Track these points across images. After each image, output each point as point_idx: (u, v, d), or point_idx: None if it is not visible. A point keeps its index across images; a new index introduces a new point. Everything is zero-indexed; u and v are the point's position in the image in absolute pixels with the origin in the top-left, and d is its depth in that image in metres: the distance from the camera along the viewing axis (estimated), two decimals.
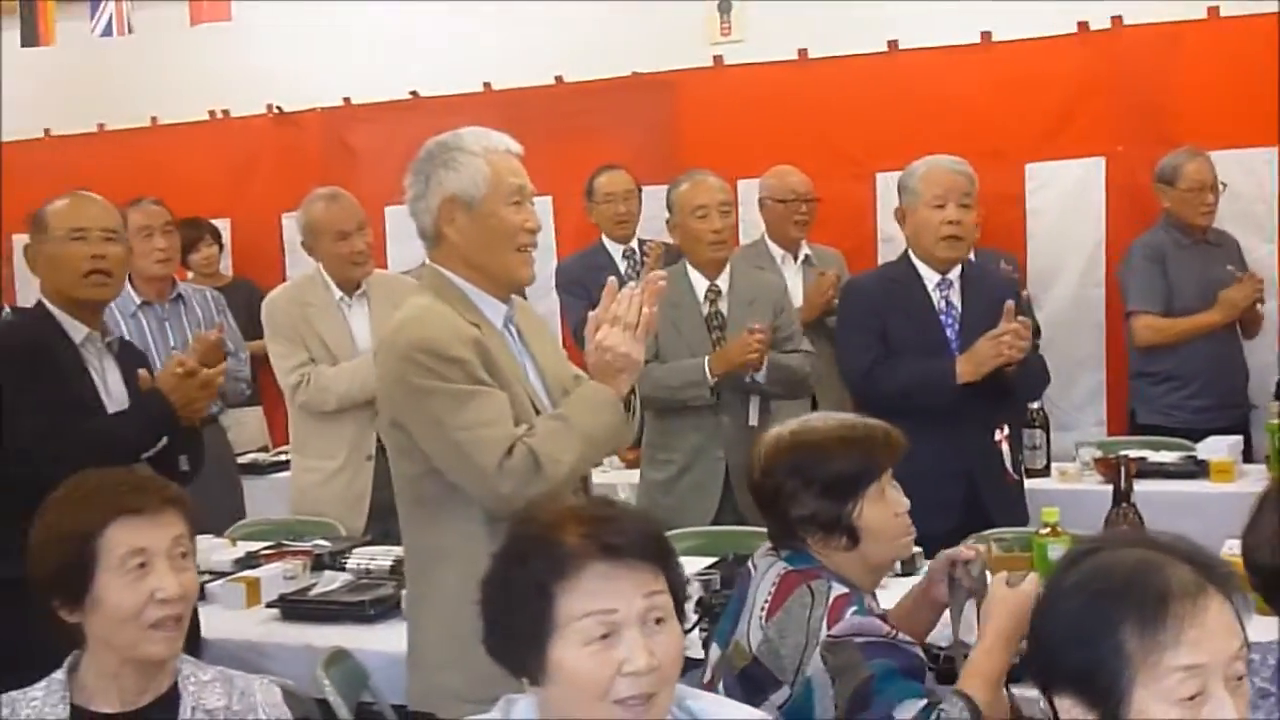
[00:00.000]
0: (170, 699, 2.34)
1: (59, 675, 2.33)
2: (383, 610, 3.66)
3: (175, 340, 5.25)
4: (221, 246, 7.14)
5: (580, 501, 2.54)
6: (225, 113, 7.46)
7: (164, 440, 3.49)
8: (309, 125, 7.31)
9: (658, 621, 1.92)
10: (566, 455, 2.77)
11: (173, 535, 2.32)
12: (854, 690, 2.41)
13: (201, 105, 7.43)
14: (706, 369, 4.56)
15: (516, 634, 1.95)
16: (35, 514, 2.40)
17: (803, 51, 6.41)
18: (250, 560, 4.11)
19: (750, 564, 2.75)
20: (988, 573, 2.71)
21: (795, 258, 5.81)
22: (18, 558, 2.45)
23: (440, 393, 2.76)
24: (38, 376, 3.42)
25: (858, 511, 2.60)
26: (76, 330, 3.55)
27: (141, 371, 3.60)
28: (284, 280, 7.03)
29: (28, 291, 5.94)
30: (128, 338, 4.96)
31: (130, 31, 6.18)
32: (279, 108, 7.34)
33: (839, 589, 2.54)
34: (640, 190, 6.10)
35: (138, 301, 5.27)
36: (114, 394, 3.59)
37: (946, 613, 2.77)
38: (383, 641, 3.49)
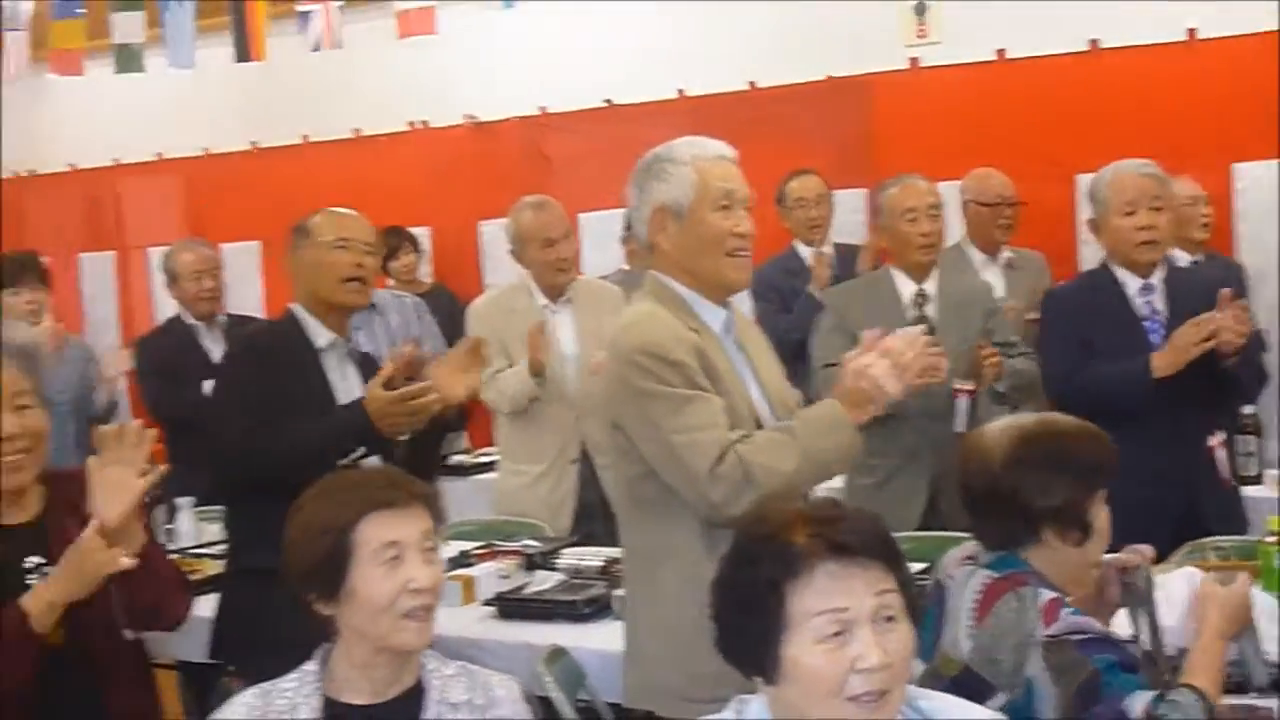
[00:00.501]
0: (416, 692, 2.42)
1: (311, 667, 2.42)
2: (595, 610, 3.72)
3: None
4: (420, 254, 7.32)
5: (809, 502, 2.58)
6: (425, 123, 7.64)
7: (361, 450, 3.53)
8: (506, 134, 7.45)
9: (889, 619, 1.95)
10: (783, 466, 2.78)
11: (422, 529, 2.41)
12: (1080, 686, 2.41)
13: (402, 116, 7.63)
14: None
15: (749, 633, 1.99)
16: (278, 506, 2.52)
17: (1001, 52, 6.35)
18: (463, 559, 4.21)
19: (942, 576, 2.75)
20: (1153, 578, 2.73)
21: (995, 260, 5.76)
22: (267, 549, 2.59)
23: (659, 396, 2.81)
24: (273, 375, 3.57)
25: (1095, 505, 2.60)
26: (320, 336, 3.70)
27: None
28: (481, 286, 7.21)
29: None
30: None
31: (339, 46, 6.36)
32: (477, 118, 7.50)
33: (1046, 594, 2.53)
34: (832, 195, 6.11)
35: None
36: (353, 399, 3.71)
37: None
38: (596, 640, 3.54)
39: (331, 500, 2.40)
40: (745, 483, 2.74)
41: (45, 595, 2.74)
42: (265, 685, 2.43)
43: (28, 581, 2.82)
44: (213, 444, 3.52)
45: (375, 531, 2.36)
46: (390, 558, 2.36)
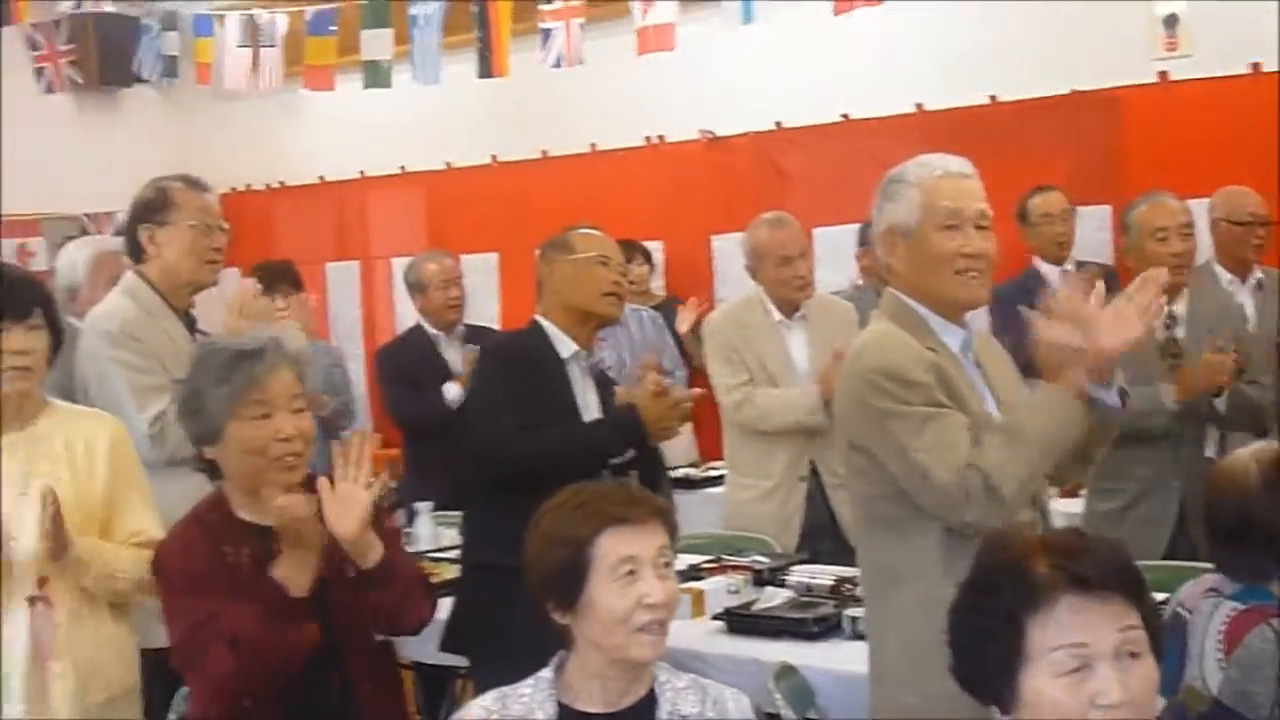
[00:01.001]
0: (648, 703, 2.45)
1: (546, 674, 2.47)
2: (825, 628, 3.70)
3: (612, 360, 5.46)
4: (652, 267, 7.38)
5: (1050, 530, 2.53)
6: (661, 138, 7.71)
7: (631, 452, 3.68)
8: (741, 149, 7.47)
9: (1132, 655, 1.91)
10: (1018, 469, 2.75)
11: (658, 545, 2.44)
12: None
13: (638, 131, 7.71)
14: (1166, 395, 4.42)
15: (986, 662, 1.96)
16: (516, 505, 2.58)
17: (1255, 65, 6.12)
18: (692, 573, 4.23)
19: (1179, 609, 2.67)
20: None
21: (1244, 281, 5.55)
22: (502, 546, 2.65)
23: (899, 415, 2.80)
24: (526, 381, 3.73)
25: None
26: (565, 347, 3.86)
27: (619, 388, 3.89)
28: (712, 300, 7.24)
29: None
30: None
31: (580, 63, 6.46)
32: (712, 132, 7.53)
33: None
34: (1073, 211, 5.98)
35: None
36: (591, 411, 3.87)
37: None
38: (825, 659, 3.53)
39: (571, 513, 2.45)
40: (989, 491, 2.72)
41: (288, 565, 2.83)
42: (503, 690, 2.49)
43: None
44: (479, 442, 3.69)
45: (613, 546, 2.40)
46: (626, 572, 2.39)
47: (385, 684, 3.08)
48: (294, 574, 2.83)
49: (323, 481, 2.88)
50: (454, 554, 4.47)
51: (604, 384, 4.00)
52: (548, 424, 3.70)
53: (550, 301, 3.91)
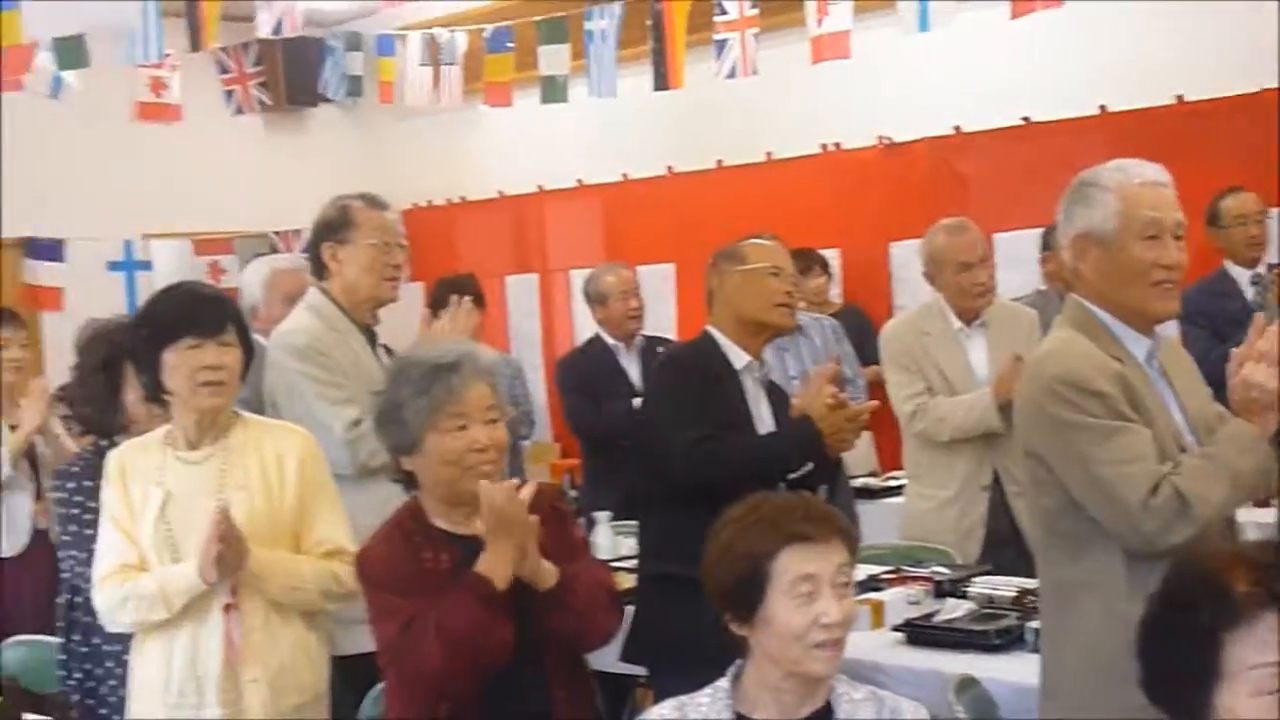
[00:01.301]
0: (825, 714, 2.45)
1: (723, 684, 2.49)
2: (1008, 640, 3.65)
3: (795, 370, 5.44)
4: (830, 276, 7.35)
5: (1246, 543, 2.46)
6: (836, 145, 7.67)
7: (809, 465, 3.67)
8: (918, 155, 7.39)
9: None
10: (1214, 495, 2.69)
11: (837, 563, 2.44)
12: None
13: (813, 139, 7.68)
14: None
15: (1180, 679, 1.93)
16: (693, 516, 2.60)
17: None
18: (871, 583, 4.19)
19: None
20: None
21: None
22: (679, 556, 2.66)
23: (1082, 427, 2.74)
24: (702, 393, 3.75)
25: None
26: (738, 358, 3.88)
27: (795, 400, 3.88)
28: (891, 308, 7.18)
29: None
30: None
31: (755, 73, 6.45)
32: (889, 138, 7.47)
33: None
34: (1267, 212, 5.81)
35: None
36: (764, 422, 3.88)
37: None
38: (1008, 672, 3.47)
39: (752, 528, 2.46)
40: (1182, 514, 2.67)
41: (491, 559, 2.90)
42: (682, 698, 2.51)
43: None
44: (657, 455, 3.72)
45: (793, 564, 2.41)
46: (805, 591, 2.40)
47: (578, 690, 3.12)
48: (498, 566, 2.89)
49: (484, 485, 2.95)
50: (632, 564, 4.49)
51: (775, 395, 4.00)
52: (724, 436, 3.71)
53: (721, 312, 3.93)
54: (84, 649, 3.91)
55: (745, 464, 3.64)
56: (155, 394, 3.40)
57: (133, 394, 3.86)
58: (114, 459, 3.45)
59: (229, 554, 3.20)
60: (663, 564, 3.74)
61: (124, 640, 3.64)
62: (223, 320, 3.38)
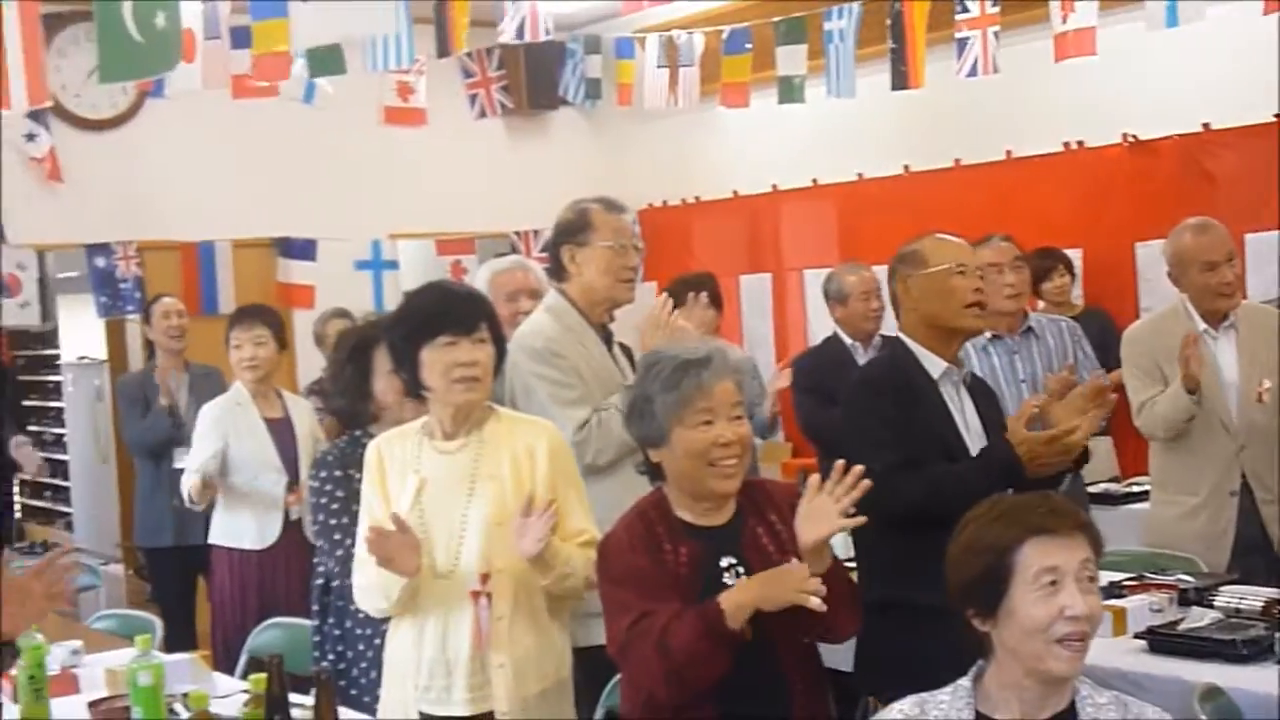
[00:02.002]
0: (1068, 716, 2.43)
1: (965, 683, 2.49)
2: (1255, 651, 3.56)
3: (1024, 373, 5.35)
4: (1073, 276, 7.21)
5: None
6: (1080, 144, 7.51)
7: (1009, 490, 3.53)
8: (1165, 153, 7.18)
9: None
10: None
11: (1081, 558, 2.42)
12: None
13: (1056, 137, 7.54)
14: None
15: None
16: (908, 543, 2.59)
17: None
18: (1114, 590, 4.12)
19: None
20: None
21: None
22: (905, 583, 2.63)
23: None
24: (899, 411, 3.64)
25: None
26: (934, 365, 3.75)
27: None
28: (1136, 310, 7.00)
29: None
30: (979, 372, 5.16)
31: (996, 71, 6.37)
32: (1134, 136, 7.29)
33: None
34: None
35: (988, 335, 5.44)
36: (972, 428, 3.75)
37: None
38: (1254, 682, 3.40)
39: (993, 523, 2.46)
40: None
41: (738, 598, 2.94)
42: (922, 695, 2.52)
43: (723, 581, 3.06)
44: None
45: (1036, 556, 2.40)
46: (1048, 583, 2.39)
47: (815, 685, 3.15)
48: (738, 610, 2.92)
49: (813, 479, 3.02)
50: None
51: (980, 394, 3.87)
52: (927, 454, 3.59)
53: (909, 319, 3.80)
54: (337, 632, 4.09)
55: (943, 495, 3.45)
56: (414, 390, 3.54)
57: (381, 382, 4.02)
58: (373, 448, 3.60)
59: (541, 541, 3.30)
60: (879, 588, 3.58)
61: (374, 624, 3.80)
62: (477, 318, 3.50)
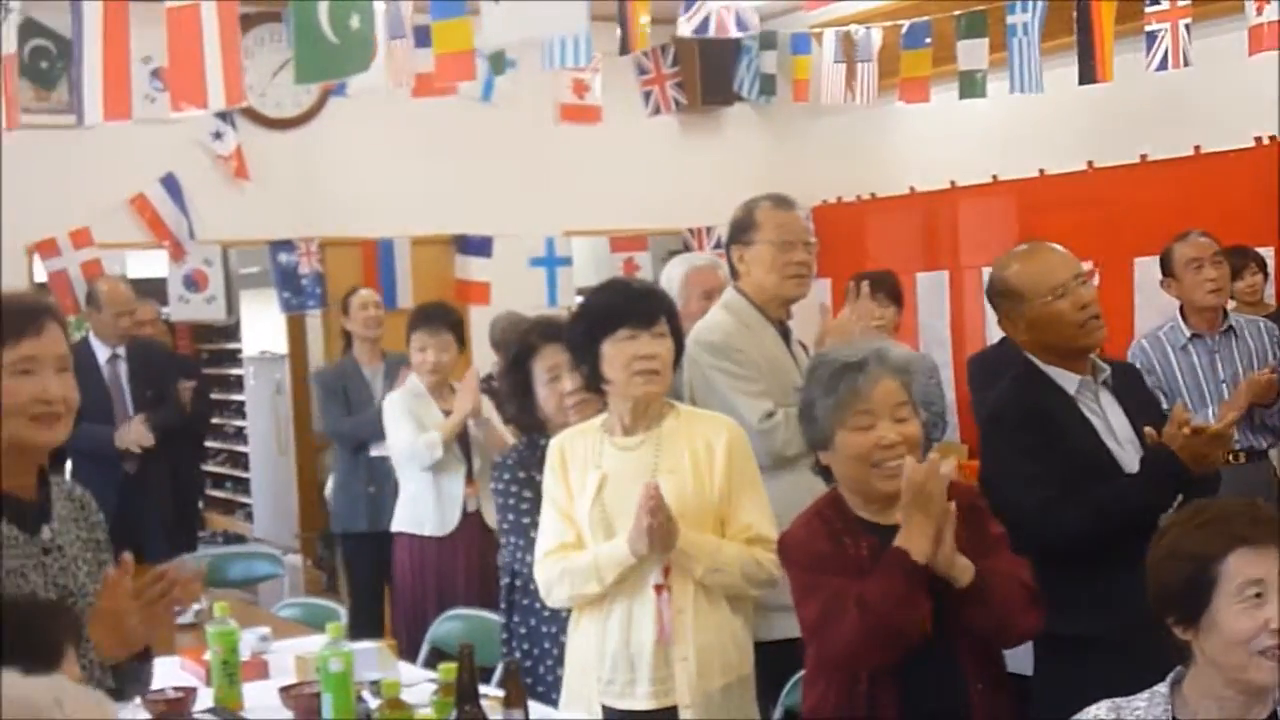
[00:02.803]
0: None
1: (1162, 689, 2.45)
2: None
3: (1224, 374, 5.21)
4: (1266, 275, 6.98)
5: None
6: (1272, 138, 7.27)
7: (1179, 497, 3.38)
8: None
9: None
10: None
11: None
12: None
13: (1246, 132, 7.30)
14: None
15: None
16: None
17: None
18: None
19: None
20: None
21: None
22: (1068, 615, 2.57)
23: None
24: (1040, 441, 3.50)
25: None
26: (1069, 381, 3.60)
27: (1147, 429, 3.51)
28: None
29: None
30: (1176, 372, 5.02)
31: (1186, 64, 6.20)
32: None
33: None
34: None
35: (1188, 334, 5.30)
36: (1121, 436, 3.59)
37: None
38: None
39: (1199, 530, 2.41)
40: None
41: (908, 535, 2.93)
42: (1117, 700, 2.48)
43: None
44: (1009, 520, 3.25)
45: (1241, 567, 2.35)
46: (1253, 595, 2.34)
47: (996, 687, 3.09)
48: (915, 540, 2.91)
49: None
50: None
51: (1124, 384, 3.69)
52: (1081, 478, 3.44)
53: (1025, 343, 3.65)
54: (523, 629, 4.13)
55: (1106, 518, 3.36)
56: (594, 384, 3.56)
57: (542, 390, 4.06)
58: (555, 446, 3.64)
59: (659, 529, 3.31)
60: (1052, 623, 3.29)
61: (560, 621, 3.83)
62: (656, 312, 3.52)
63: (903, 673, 2.96)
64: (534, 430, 4.15)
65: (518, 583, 4.11)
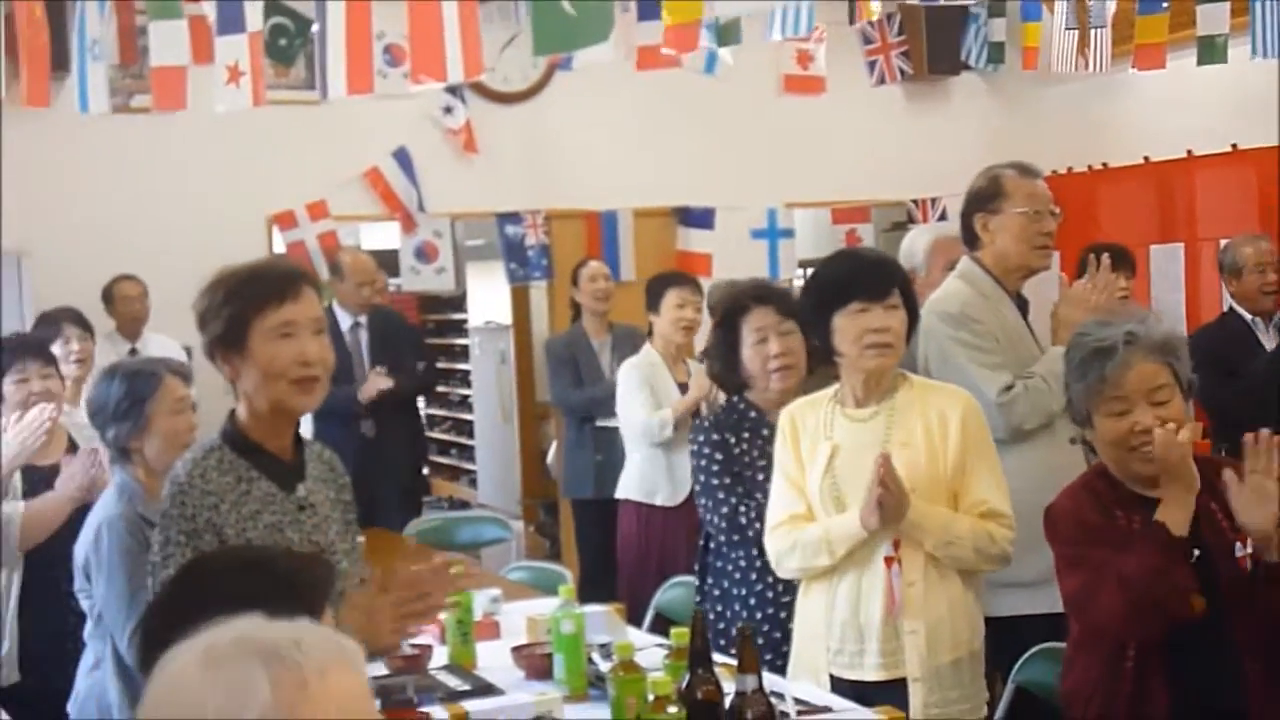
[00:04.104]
0: None
1: None
2: None
3: None
4: None
5: None
6: None
7: None
8: None
9: None
10: None
11: None
12: None
13: None
14: None
15: None
16: None
17: None
18: None
19: None
20: None
21: None
22: None
23: None
24: None
25: None
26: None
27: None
28: None
29: None
30: None
31: None
32: None
33: None
34: None
35: None
36: None
37: None
38: None
39: None
40: None
41: (1167, 509, 2.91)
42: None
43: None
44: None
45: None
46: None
47: (1276, 673, 2.98)
48: (1173, 512, 2.89)
49: (1229, 474, 2.91)
50: None
51: None
52: None
53: None
54: (716, 591, 4.15)
55: None
56: (826, 356, 3.56)
57: (748, 351, 4.05)
58: (786, 415, 3.65)
59: (890, 501, 3.30)
60: None
61: (749, 583, 3.90)
62: (889, 284, 3.49)
63: (1172, 649, 2.91)
64: (735, 389, 4.15)
65: (710, 545, 4.12)
